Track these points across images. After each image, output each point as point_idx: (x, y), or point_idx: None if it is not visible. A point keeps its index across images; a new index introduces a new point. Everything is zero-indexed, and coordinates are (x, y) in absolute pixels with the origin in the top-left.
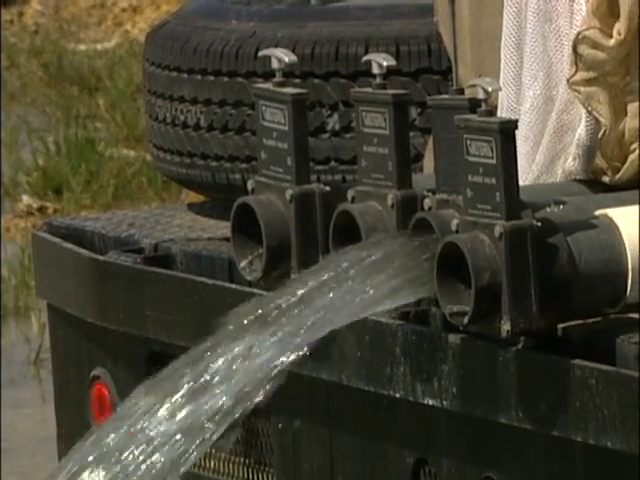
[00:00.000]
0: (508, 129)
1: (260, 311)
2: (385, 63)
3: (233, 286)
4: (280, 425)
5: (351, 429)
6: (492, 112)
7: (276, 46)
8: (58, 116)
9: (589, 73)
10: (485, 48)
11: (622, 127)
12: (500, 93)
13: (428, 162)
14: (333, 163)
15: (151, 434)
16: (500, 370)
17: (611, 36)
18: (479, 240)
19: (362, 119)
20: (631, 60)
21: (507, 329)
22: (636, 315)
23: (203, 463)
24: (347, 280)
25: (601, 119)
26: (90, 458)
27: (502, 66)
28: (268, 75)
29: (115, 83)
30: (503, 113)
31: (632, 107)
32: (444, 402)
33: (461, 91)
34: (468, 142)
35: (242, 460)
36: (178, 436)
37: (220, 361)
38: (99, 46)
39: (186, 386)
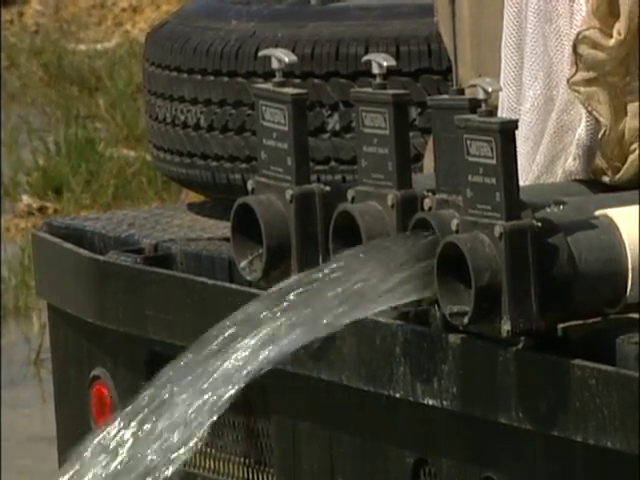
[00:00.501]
0: (508, 129)
1: (263, 312)
2: (385, 63)
3: (233, 286)
4: (280, 425)
5: (351, 429)
6: (492, 112)
7: (276, 46)
8: (58, 116)
9: (589, 73)
10: (485, 48)
11: (622, 127)
12: (500, 93)
13: (428, 162)
14: (333, 163)
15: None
16: (500, 370)
17: (611, 36)
18: (479, 240)
19: (362, 119)
20: (631, 60)
21: (507, 329)
22: (636, 315)
23: (203, 463)
24: (347, 280)
25: (601, 119)
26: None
27: (502, 66)
28: (268, 75)
29: (115, 83)
30: (503, 113)
31: (632, 107)
32: (444, 402)
33: (461, 91)
34: (468, 142)
35: (242, 460)
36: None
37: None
38: (99, 46)
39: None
